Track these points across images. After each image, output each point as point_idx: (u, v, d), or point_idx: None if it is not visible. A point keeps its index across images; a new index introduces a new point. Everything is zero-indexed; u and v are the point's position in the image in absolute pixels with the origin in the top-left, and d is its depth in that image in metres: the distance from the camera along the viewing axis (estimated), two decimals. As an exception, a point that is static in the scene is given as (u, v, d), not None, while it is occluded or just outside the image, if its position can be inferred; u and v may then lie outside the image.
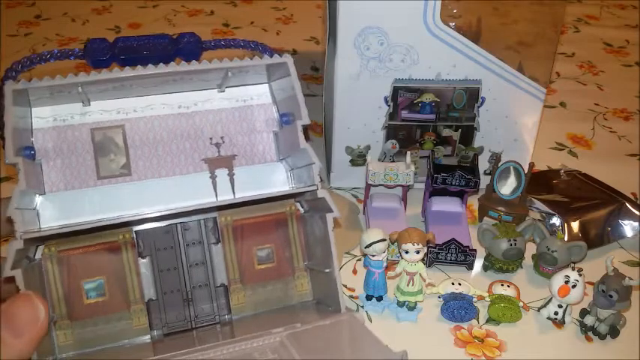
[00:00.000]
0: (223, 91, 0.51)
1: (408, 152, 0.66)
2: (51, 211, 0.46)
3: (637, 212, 0.66)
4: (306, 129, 0.48)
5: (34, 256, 0.45)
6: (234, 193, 0.50)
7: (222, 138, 0.51)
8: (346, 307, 0.46)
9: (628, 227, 0.66)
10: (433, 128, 0.67)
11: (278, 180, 0.52)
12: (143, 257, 0.48)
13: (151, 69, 0.44)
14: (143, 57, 0.45)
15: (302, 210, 0.51)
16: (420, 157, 0.69)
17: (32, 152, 0.45)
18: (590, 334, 0.55)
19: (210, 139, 0.51)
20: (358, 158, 0.69)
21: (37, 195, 0.46)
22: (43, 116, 0.47)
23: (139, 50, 0.46)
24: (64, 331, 0.46)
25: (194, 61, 0.45)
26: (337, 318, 0.45)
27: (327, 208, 0.47)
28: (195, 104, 0.51)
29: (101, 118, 0.48)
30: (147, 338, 0.48)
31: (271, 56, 0.48)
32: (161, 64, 0.44)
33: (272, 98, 0.52)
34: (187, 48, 0.47)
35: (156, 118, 0.50)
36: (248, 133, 0.52)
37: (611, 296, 0.52)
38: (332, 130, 0.67)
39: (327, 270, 0.47)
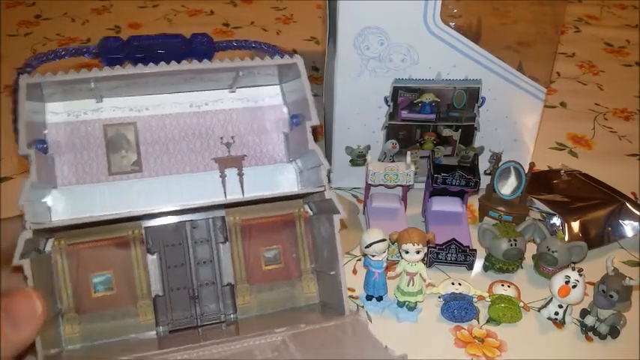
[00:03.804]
0: (234, 92, 0.51)
1: (408, 152, 0.66)
2: (62, 205, 0.47)
3: (637, 212, 0.66)
4: (315, 130, 0.48)
5: (44, 248, 0.46)
6: (243, 192, 0.50)
7: (232, 138, 0.51)
8: (350, 310, 0.46)
9: (628, 227, 0.66)
10: (433, 128, 0.67)
11: (287, 181, 0.52)
12: (151, 253, 0.49)
13: (162, 67, 0.44)
14: (156, 56, 0.45)
15: (310, 212, 0.51)
16: (420, 157, 0.69)
17: (44, 146, 0.46)
18: (590, 334, 0.55)
19: (221, 138, 0.51)
20: (358, 158, 0.69)
21: (49, 188, 0.47)
22: (57, 111, 0.48)
23: (152, 49, 0.46)
24: (71, 323, 0.46)
25: (205, 59, 0.46)
26: (340, 320, 0.45)
27: (334, 210, 0.46)
28: (206, 104, 0.51)
29: (114, 115, 0.49)
30: (152, 334, 0.48)
31: (282, 58, 0.48)
32: (173, 62, 0.45)
33: (283, 99, 0.52)
34: (200, 48, 0.48)
35: (167, 117, 0.50)
36: (258, 133, 0.52)
37: (611, 296, 0.52)
38: (332, 130, 0.67)
39: (332, 272, 0.47)
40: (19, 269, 0.41)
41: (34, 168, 0.42)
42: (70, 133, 0.48)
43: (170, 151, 0.50)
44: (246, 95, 0.52)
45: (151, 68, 0.44)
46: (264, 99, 0.52)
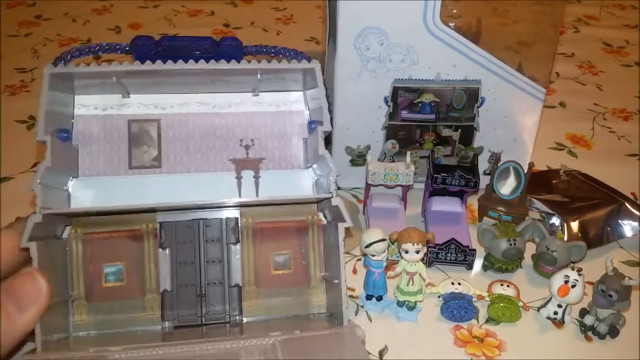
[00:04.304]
0: (257, 95, 0.52)
1: (408, 152, 0.66)
2: (82, 195, 0.48)
3: (636, 212, 0.66)
4: (327, 137, 0.49)
5: (61, 235, 0.47)
6: (257, 194, 0.51)
7: (252, 140, 0.52)
8: (349, 321, 0.46)
9: (627, 227, 0.66)
10: (433, 128, 0.67)
11: (303, 186, 0.52)
12: (163, 248, 0.49)
13: (180, 64, 0.46)
14: (185, 57, 0.47)
15: (324, 220, 0.51)
16: (420, 157, 0.69)
17: (66, 135, 0.47)
18: (589, 333, 0.55)
19: (241, 140, 0.52)
20: (358, 158, 0.69)
21: (70, 177, 0.48)
22: (86, 104, 0.50)
23: (182, 50, 0.48)
24: (80, 310, 0.47)
25: (222, 60, 0.47)
26: (336, 330, 0.45)
27: (340, 217, 0.46)
28: (229, 106, 0.52)
29: (139, 111, 0.51)
30: (157, 328, 0.48)
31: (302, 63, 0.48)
32: (191, 60, 0.46)
33: (305, 106, 0.53)
34: (228, 51, 0.49)
35: (191, 116, 0.51)
36: (278, 138, 0.52)
37: (610, 296, 0.52)
38: (332, 130, 0.67)
39: (336, 281, 0.47)
40: (27, 251, 0.42)
41: (49, 154, 0.44)
42: (96, 126, 0.50)
43: (190, 149, 0.51)
44: (270, 100, 0.53)
45: (170, 65, 0.46)
46: (286, 104, 0.53)
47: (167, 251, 0.49)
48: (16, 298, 0.37)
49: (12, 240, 0.42)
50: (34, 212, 0.42)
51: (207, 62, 0.46)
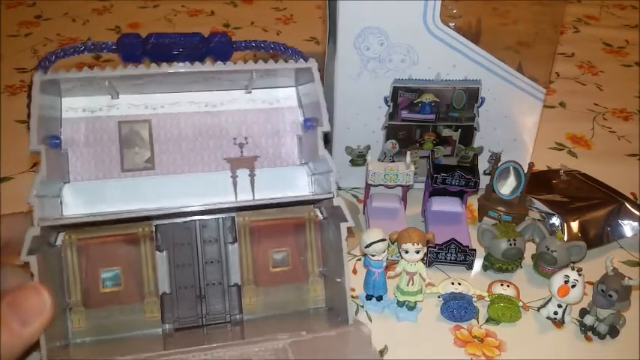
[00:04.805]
0: (250, 92, 0.52)
1: (408, 152, 0.66)
2: (74, 200, 0.47)
3: (636, 212, 0.66)
4: (326, 135, 0.48)
5: (55, 242, 0.46)
6: (253, 193, 0.51)
7: (246, 139, 0.51)
8: (354, 319, 0.46)
9: (627, 227, 0.66)
10: (433, 128, 0.67)
11: (299, 184, 0.52)
12: (160, 251, 0.49)
13: (175, 67, 0.45)
14: (174, 55, 0.46)
15: (321, 216, 0.51)
16: (420, 157, 0.69)
17: (57, 141, 0.46)
18: (589, 333, 0.55)
19: (234, 139, 0.51)
20: (358, 158, 0.69)
21: (62, 183, 0.47)
22: (74, 107, 0.48)
23: (171, 48, 0.47)
24: (78, 317, 0.47)
25: (219, 61, 0.46)
26: (342, 329, 0.45)
27: (342, 217, 0.46)
28: (221, 104, 0.51)
29: (129, 112, 0.49)
30: (158, 331, 0.48)
31: (298, 60, 0.48)
32: (187, 62, 0.45)
33: (298, 102, 0.52)
34: (218, 47, 0.48)
35: (182, 115, 0.50)
36: (272, 135, 0.52)
37: (610, 296, 0.52)
38: (332, 130, 0.67)
39: (339, 279, 0.47)
40: (27, 265, 0.41)
41: (43, 164, 0.43)
42: (85, 129, 0.48)
43: (183, 149, 0.50)
44: (262, 97, 0.52)
45: (165, 68, 0.45)
46: (279, 101, 0.52)
47: (164, 254, 0.49)
48: (20, 312, 0.37)
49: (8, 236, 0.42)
50: (32, 225, 0.41)
51: (198, 60, 0.45)
